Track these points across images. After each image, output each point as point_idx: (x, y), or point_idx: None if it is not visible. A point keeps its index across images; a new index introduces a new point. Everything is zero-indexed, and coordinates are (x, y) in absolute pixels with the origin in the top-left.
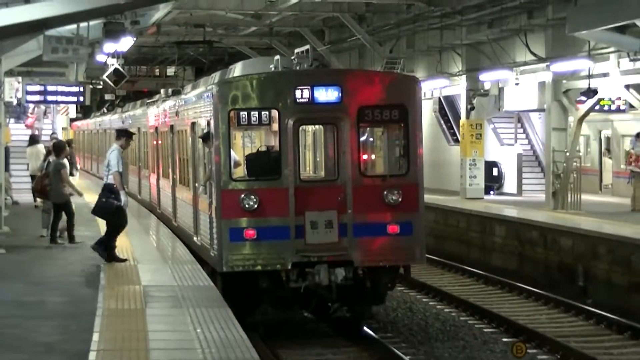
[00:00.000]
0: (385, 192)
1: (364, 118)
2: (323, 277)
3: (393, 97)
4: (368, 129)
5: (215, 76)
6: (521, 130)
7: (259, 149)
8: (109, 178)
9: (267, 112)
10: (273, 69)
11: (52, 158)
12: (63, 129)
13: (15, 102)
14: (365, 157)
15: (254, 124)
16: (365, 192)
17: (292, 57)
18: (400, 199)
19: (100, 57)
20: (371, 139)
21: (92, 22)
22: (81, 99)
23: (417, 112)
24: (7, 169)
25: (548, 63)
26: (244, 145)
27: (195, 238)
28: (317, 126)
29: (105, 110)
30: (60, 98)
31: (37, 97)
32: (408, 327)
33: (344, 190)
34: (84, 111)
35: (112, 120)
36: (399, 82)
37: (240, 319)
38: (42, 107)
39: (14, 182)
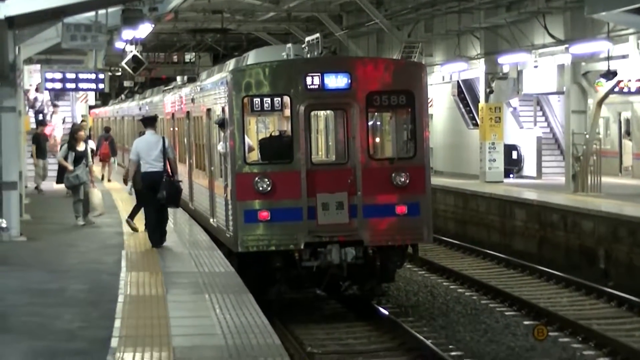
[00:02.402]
0: (393, 175)
1: (372, 103)
2: (334, 256)
3: (400, 83)
4: (376, 114)
5: (230, 64)
6: (540, 113)
7: (272, 134)
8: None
9: (279, 99)
10: (285, 56)
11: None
12: (82, 116)
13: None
14: (373, 141)
15: (267, 110)
16: (374, 175)
17: (303, 46)
18: (407, 181)
19: (118, 44)
20: (379, 124)
21: (110, 9)
22: (100, 86)
23: (423, 97)
24: (44, 156)
25: (567, 45)
26: (257, 130)
27: (211, 220)
28: (327, 111)
29: (123, 97)
30: (79, 85)
31: (57, 85)
32: (429, 311)
33: (353, 173)
34: (103, 98)
35: (130, 107)
36: (406, 68)
37: (256, 297)
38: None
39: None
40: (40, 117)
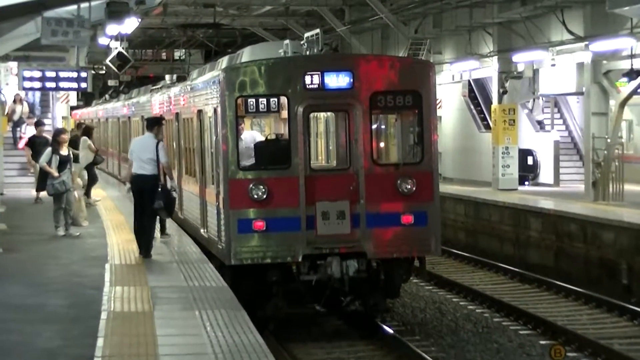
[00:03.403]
0: (398, 181)
1: (376, 104)
2: (335, 269)
3: (406, 82)
4: (381, 115)
5: (223, 61)
6: (558, 116)
7: (268, 137)
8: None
9: (275, 99)
10: (282, 54)
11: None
12: (63, 118)
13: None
14: (377, 145)
15: (263, 112)
16: (378, 181)
17: (302, 42)
18: (414, 188)
19: (102, 40)
20: (384, 126)
21: (93, 2)
22: (83, 85)
23: (431, 97)
24: (76, 159)
25: (587, 42)
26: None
27: (202, 231)
28: (328, 113)
29: (107, 97)
30: (60, 84)
31: (35, 84)
32: (437, 329)
33: (356, 180)
34: (86, 99)
35: (115, 108)
36: (413, 67)
37: (250, 314)
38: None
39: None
40: (19, 133)
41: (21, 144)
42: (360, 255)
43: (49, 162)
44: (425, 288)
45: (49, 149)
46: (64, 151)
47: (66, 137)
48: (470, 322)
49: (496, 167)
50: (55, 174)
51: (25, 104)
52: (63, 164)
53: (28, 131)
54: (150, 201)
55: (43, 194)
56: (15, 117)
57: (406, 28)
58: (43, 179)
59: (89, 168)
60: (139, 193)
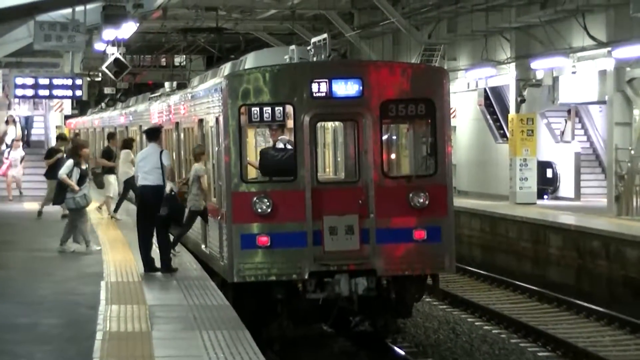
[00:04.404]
0: (410, 195)
1: (387, 113)
2: (343, 287)
3: (419, 90)
4: (392, 125)
5: (225, 68)
6: (579, 126)
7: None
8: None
9: (281, 108)
10: (288, 60)
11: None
12: (57, 127)
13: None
14: (388, 156)
15: (267, 121)
16: (389, 195)
17: (309, 48)
18: (427, 202)
19: (98, 46)
20: (395, 137)
21: (89, 6)
22: (78, 93)
23: (445, 106)
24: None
25: (610, 48)
26: (256, 144)
27: (203, 246)
28: (335, 123)
29: (103, 105)
30: (53, 92)
31: (27, 91)
32: (451, 351)
33: (365, 193)
34: (81, 107)
35: (111, 117)
36: (426, 74)
37: (254, 334)
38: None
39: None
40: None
41: (1, 169)
42: (370, 272)
43: (69, 175)
44: (438, 307)
45: (70, 162)
46: (84, 165)
47: (87, 151)
48: (486, 343)
49: (514, 180)
50: (77, 187)
51: (18, 125)
52: (82, 178)
53: (11, 155)
54: (156, 214)
55: (47, 208)
56: (8, 140)
57: (419, 33)
58: (61, 192)
59: (127, 183)
60: (142, 206)
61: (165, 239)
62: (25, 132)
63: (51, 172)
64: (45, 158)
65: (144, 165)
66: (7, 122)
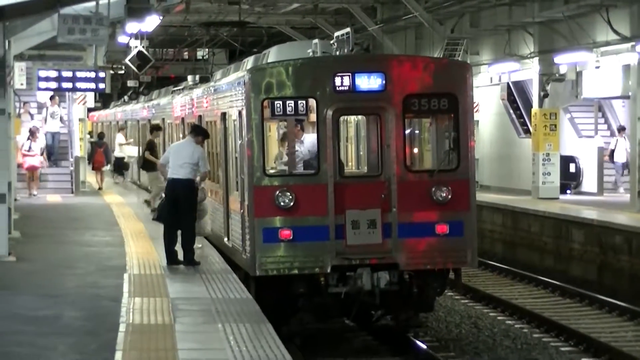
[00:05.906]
0: (433, 189)
1: (410, 108)
2: (365, 281)
3: (442, 84)
4: (414, 119)
5: (248, 62)
6: (602, 121)
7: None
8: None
9: (303, 102)
10: (311, 54)
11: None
12: (80, 120)
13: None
14: (411, 150)
15: (290, 115)
16: (412, 189)
17: (332, 42)
18: (449, 196)
19: (122, 39)
20: (417, 131)
21: None
22: (101, 86)
23: (468, 101)
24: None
25: (633, 43)
26: (279, 137)
27: (225, 240)
28: (358, 117)
29: (126, 99)
30: (77, 85)
31: (51, 84)
32: (473, 345)
33: (388, 187)
34: (103, 100)
35: (134, 110)
36: (449, 68)
37: (275, 328)
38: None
39: None
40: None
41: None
42: (392, 266)
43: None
44: (460, 302)
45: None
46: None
47: None
48: (508, 338)
49: (536, 174)
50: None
51: (42, 140)
52: None
53: (33, 147)
54: (187, 208)
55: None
56: (25, 130)
57: (442, 27)
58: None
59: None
60: (172, 200)
61: (191, 234)
62: (52, 150)
63: (149, 165)
64: (145, 150)
65: (176, 158)
66: (31, 134)
